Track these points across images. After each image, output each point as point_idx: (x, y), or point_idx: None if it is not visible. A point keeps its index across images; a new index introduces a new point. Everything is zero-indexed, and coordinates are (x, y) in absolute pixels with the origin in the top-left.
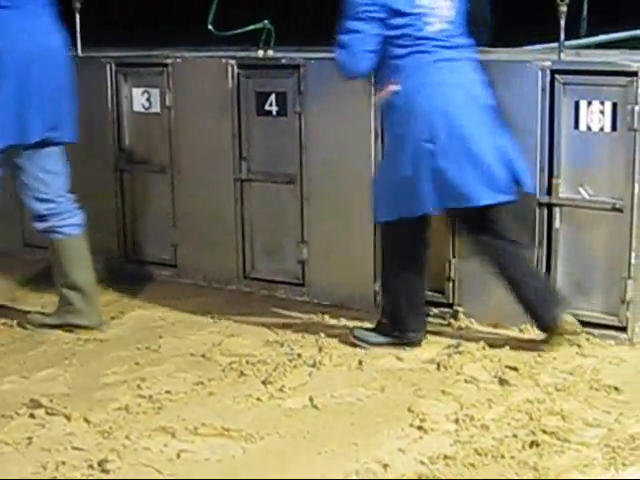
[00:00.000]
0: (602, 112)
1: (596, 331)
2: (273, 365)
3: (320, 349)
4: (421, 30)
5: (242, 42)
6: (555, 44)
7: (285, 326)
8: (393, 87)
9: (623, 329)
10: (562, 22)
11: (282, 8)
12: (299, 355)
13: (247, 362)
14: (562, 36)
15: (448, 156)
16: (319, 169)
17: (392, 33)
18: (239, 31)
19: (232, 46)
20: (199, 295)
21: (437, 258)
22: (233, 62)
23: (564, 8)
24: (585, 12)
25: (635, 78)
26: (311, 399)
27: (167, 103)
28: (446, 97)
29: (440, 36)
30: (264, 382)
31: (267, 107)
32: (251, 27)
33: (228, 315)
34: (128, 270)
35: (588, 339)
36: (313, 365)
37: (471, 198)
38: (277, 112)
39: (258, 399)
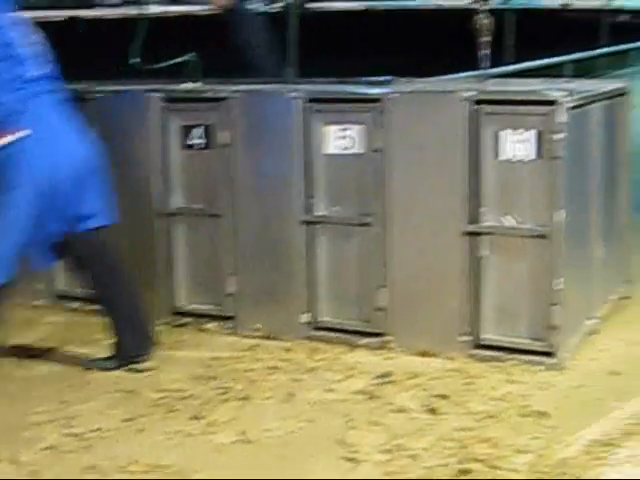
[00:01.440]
0: (525, 141)
1: (524, 357)
2: (203, 399)
3: (250, 382)
4: (30, 72)
5: (170, 75)
6: (480, 72)
7: (215, 360)
8: (12, 136)
9: (551, 354)
10: (486, 52)
11: (210, 41)
12: (229, 389)
13: (177, 397)
14: (485, 66)
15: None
16: (248, 202)
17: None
18: (165, 64)
19: (158, 79)
20: None
21: (365, 287)
22: (158, 95)
23: (487, 38)
24: (511, 40)
25: (555, 107)
26: (242, 433)
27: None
28: (64, 144)
29: (43, 79)
30: (194, 417)
31: (193, 140)
32: (177, 60)
33: (158, 349)
34: (56, 306)
35: (516, 365)
36: (243, 398)
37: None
38: (204, 145)
39: (189, 434)
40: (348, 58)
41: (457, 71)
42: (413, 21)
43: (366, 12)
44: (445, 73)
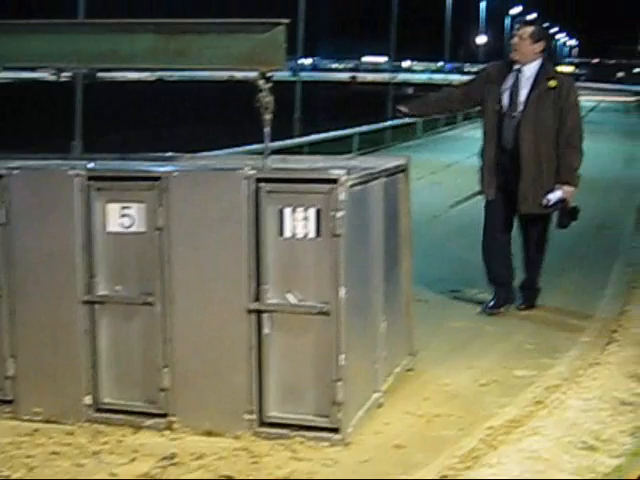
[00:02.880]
0: (306, 219)
1: (310, 434)
2: None
3: (30, 469)
4: None
5: None
6: (264, 146)
7: None
8: None
9: (336, 430)
10: (266, 130)
11: None
12: (7, 477)
13: None
14: (267, 144)
15: None
16: (27, 281)
17: None
18: None
19: None
20: None
21: (149, 367)
22: None
23: (268, 116)
24: (299, 112)
25: (336, 185)
26: None
27: None
28: None
29: None
30: None
31: None
32: None
33: None
34: None
35: (302, 442)
36: None
37: None
38: None
39: None
40: (141, 128)
41: (250, 140)
42: (206, 91)
43: (159, 82)
44: (239, 142)
